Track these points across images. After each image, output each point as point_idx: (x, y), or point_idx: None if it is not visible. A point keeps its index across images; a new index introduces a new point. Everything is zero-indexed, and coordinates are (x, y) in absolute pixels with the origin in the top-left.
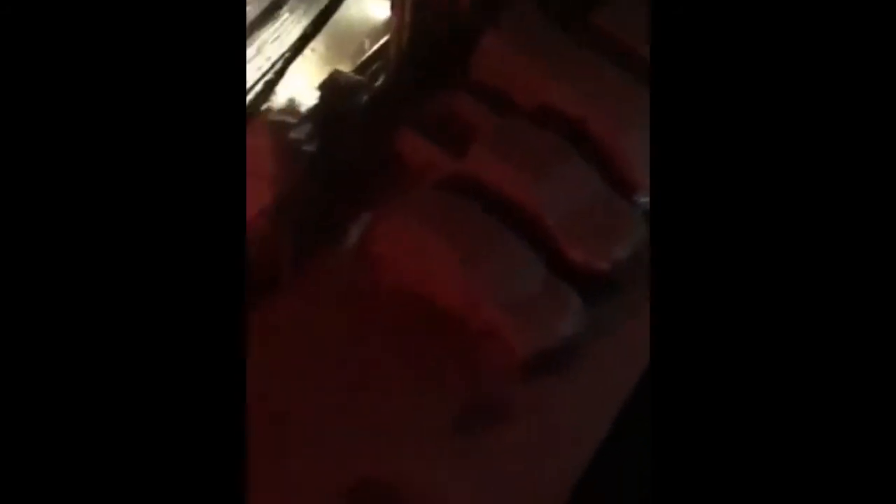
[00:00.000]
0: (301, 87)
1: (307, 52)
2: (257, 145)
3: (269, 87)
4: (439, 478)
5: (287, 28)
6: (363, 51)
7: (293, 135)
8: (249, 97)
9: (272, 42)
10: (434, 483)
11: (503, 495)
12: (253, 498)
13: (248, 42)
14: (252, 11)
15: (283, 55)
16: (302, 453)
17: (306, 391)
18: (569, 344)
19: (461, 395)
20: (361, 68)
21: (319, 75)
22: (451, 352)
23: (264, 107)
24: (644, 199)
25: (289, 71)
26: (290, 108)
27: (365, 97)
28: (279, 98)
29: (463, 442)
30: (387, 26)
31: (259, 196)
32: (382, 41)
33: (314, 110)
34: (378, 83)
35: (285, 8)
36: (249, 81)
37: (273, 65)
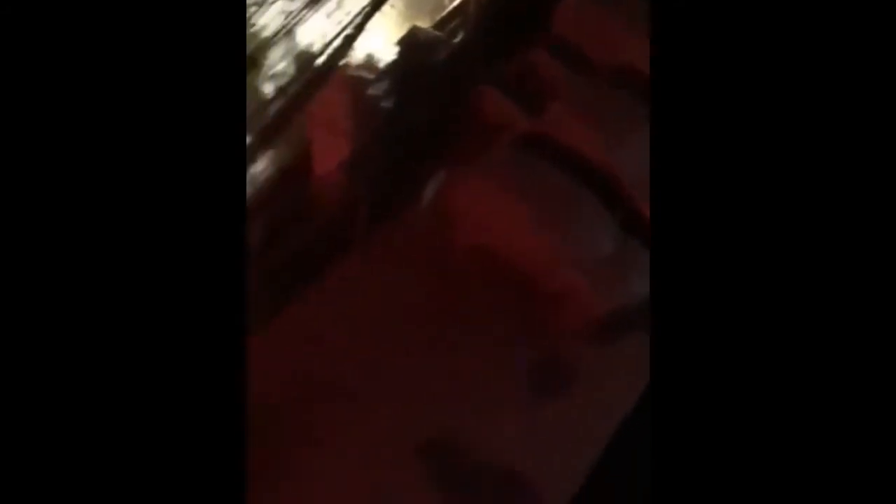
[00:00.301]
0: (380, 43)
1: (386, 7)
2: (335, 100)
3: (348, 42)
4: (510, 437)
5: None
6: (442, 7)
7: (371, 91)
8: (328, 51)
9: None
10: (505, 443)
11: (573, 454)
12: (324, 454)
13: None
14: None
15: (362, 10)
16: (374, 412)
17: (379, 348)
18: (644, 304)
19: (535, 354)
20: (440, 24)
21: (398, 31)
22: (526, 311)
23: (342, 62)
24: None
25: (368, 26)
26: (369, 63)
27: (443, 54)
28: (357, 53)
29: (535, 402)
30: None
31: (335, 151)
32: None
33: (392, 66)
34: (457, 40)
35: None
36: (329, 36)
37: (352, 19)
